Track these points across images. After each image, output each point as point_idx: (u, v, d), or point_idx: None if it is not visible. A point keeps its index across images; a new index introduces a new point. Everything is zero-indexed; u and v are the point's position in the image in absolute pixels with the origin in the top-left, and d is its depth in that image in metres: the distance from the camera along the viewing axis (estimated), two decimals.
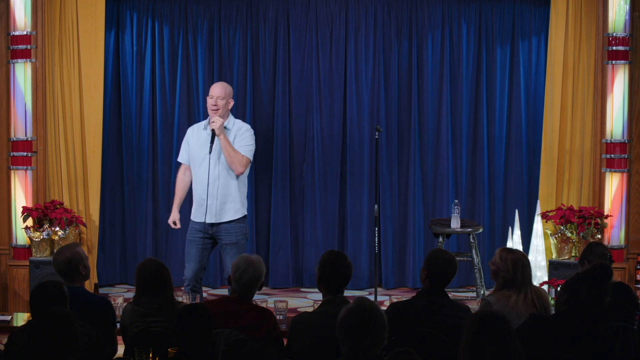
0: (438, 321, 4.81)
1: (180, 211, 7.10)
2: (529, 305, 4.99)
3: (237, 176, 6.84)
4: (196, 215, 6.90)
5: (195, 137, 6.98)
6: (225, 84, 7.06)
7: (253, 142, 6.94)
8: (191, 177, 7.01)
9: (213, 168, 6.81)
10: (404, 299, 5.41)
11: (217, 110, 6.82)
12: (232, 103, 6.94)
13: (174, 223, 7.07)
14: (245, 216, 6.94)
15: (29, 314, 6.13)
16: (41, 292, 4.58)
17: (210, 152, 6.79)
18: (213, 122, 6.79)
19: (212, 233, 6.87)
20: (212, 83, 8.44)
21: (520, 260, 5.05)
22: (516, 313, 4.94)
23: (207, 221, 6.83)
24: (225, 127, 6.84)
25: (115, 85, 8.56)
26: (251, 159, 6.90)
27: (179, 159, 7.13)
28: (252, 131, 6.97)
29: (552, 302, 6.53)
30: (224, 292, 7.97)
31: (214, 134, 6.79)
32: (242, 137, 6.87)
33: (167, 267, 5.13)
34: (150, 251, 8.60)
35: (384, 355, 3.84)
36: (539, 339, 4.42)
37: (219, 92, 6.88)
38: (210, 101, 6.88)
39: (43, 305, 4.44)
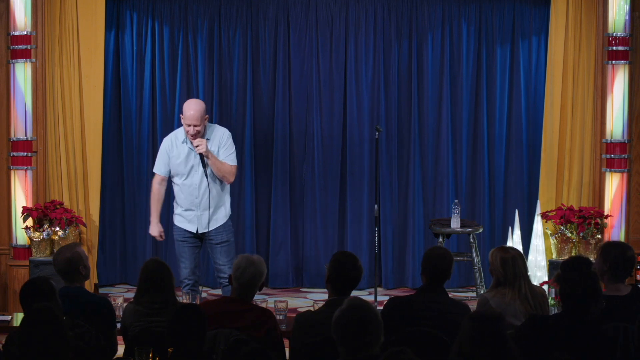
0: (436, 317, 4.82)
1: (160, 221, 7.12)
2: (522, 301, 5.01)
3: (224, 184, 6.92)
4: (185, 224, 6.95)
5: (175, 151, 6.90)
6: (198, 106, 6.82)
7: (234, 147, 6.96)
8: (165, 188, 7.03)
9: (202, 181, 6.83)
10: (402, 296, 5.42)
11: (195, 133, 6.75)
12: (207, 118, 6.87)
13: (160, 236, 7.06)
14: (230, 218, 7.05)
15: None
16: (29, 289, 4.59)
17: (207, 176, 6.80)
18: (197, 146, 6.71)
19: (200, 234, 6.95)
20: (212, 83, 8.49)
21: (510, 259, 5.08)
22: (512, 310, 4.96)
23: (199, 231, 6.90)
24: (206, 139, 6.82)
25: (115, 85, 8.56)
26: (236, 164, 6.94)
27: (156, 170, 7.03)
28: (230, 136, 6.97)
29: (552, 302, 6.55)
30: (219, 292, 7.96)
31: (202, 157, 6.77)
32: (225, 146, 6.86)
33: (169, 267, 5.12)
34: (150, 251, 8.60)
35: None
36: (539, 339, 4.42)
37: (195, 121, 6.71)
38: (188, 129, 6.74)
39: (31, 302, 4.46)
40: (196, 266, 7.00)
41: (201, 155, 6.76)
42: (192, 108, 6.79)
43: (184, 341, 4.19)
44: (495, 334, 3.70)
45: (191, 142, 6.79)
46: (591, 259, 7.64)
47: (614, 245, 5.39)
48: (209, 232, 6.89)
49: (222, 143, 6.87)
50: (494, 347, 3.67)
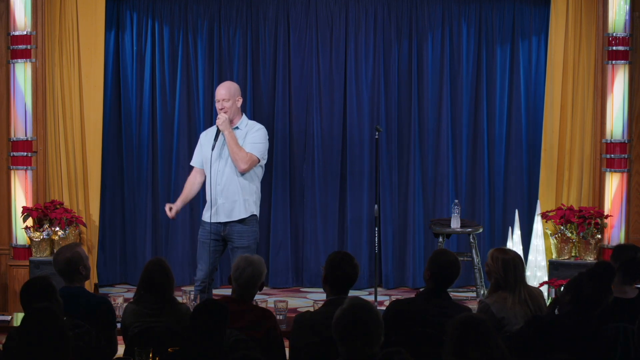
0: (439, 322, 4.80)
1: (184, 209, 6.99)
2: (522, 305, 4.99)
3: (243, 174, 6.69)
4: (206, 215, 6.78)
5: (207, 138, 6.85)
6: (229, 84, 6.87)
7: (263, 140, 6.77)
8: (202, 180, 6.88)
9: (218, 166, 6.73)
10: (405, 298, 5.40)
11: (226, 112, 6.72)
12: (240, 101, 6.76)
13: (170, 209, 6.86)
14: (254, 216, 6.75)
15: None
16: (28, 289, 4.59)
17: (212, 149, 6.70)
18: (218, 118, 6.69)
19: (224, 235, 6.74)
20: (212, 83, 8.49)
21: (512, 261, 5.03)
22: (514, 315, 4.94)
23: (217, 221, 6.71)
24: (236, 127, 6.75)
25: (115, 85, 8.56)
26: (259, 157, 6.71)
27: (191, 163, 6.99)
28: (263, 130, 6.81)
29: (552, 302, 6.53)
30: (225, 292, 7.97)
31: (218, 131, 6.73)
32: (251, 135, 6.73)
33: (170, 268, 5.11)
34: (150, 251, 8.60)
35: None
36: (540, 339, 4.42)
37: (223, 95, 6.72)
38: (217, 105, 6.76)
39: (32, 301, 4.46)
40: (213, 270, 6.82)
41: (218, 130, 6.69)
42: (222, 86, 6.85)
43: (204, 336, 4.15)
44: (483, 336, 3.70)
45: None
46: (590, 259, 7.68)
47: (625, 247, 5.40)
48: (231, 231, 6.71)
49: (250, 132, 6.75)
50: (483, 350, 3.67)
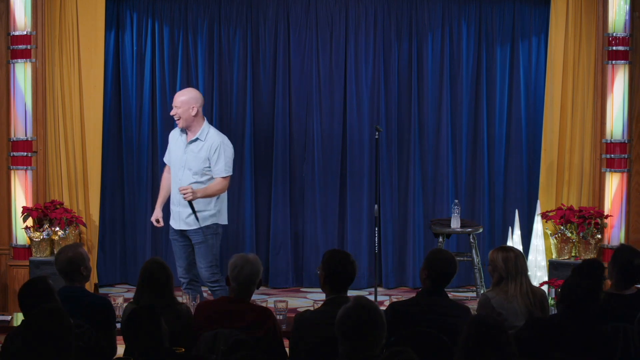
0: (438, 321, 4.81)
1: (163, 209, 7.11)
2: (523, 296, 5.01)
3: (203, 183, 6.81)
4: (171, 220, 6.99)
5: (173, 143, 6.99)
6: (187, 91, 7.00)
7: (227, 155, 6.81)
8: None
9: (182, 175, 6.81)
10: (403, 299, 5.41)
11: (178, 120, 6.82)
12: (195, 109, 6.79)
13: (157, 221, 7.08)
14: (215, 223, 6.88)
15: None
16: (28, 289, 4.60)
17: (198, 220, 6.74)
18: (184, 196, 6.63)
19: (186, 234, 6.92)
20: (212, 83, 8.51)
21: (512, 253, 5.10)
22: (514, 307, 4.96)
23: (175, 227, 6.90)
24: (197, 138, 6.80)
25: (115, 85, 8.56)
26: (229, 172, 6.81)
27: (164, 159, 7.14)
28: (230, 146, 6.87)
29: (552, 302, 6.55)
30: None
31: (191, 203, 6.71)
32: (213, 159, 6.77)
33: (168, 267, 5.12)
34: (150, 251, 8.60)
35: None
36: (539, 339, 4.42)
37: (175, 101, 6.84)
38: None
39: (31, 302, 4.47)
40: (190, 264, 6.96)
41: (191, 203, 6.72)
42: (180, 92, 6.98)
43: (136, 339, 4.18)
44: (495, 340, 3.70)
45: (187, 135, 6.87)
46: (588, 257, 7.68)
47: (622, 250, 5.30)
48: (188, 231, 6.87)
49: (210, 154, 6.79)
50: (494, 353, 3.67)
